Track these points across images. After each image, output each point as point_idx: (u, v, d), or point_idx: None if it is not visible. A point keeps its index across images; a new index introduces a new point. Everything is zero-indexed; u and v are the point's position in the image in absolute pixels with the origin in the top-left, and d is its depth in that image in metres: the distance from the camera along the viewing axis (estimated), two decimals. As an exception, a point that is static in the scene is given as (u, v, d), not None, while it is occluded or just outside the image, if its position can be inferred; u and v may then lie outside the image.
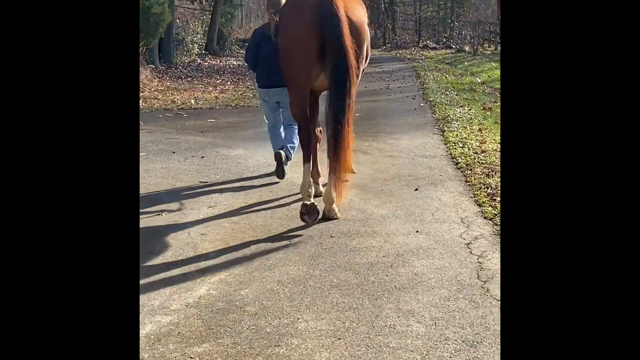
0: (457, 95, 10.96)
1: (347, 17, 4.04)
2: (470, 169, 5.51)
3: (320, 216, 4.21)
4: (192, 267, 3.51)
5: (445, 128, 7.50)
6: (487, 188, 4.87)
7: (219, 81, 14.54)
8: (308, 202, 4.20)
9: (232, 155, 6.40)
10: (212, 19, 21.80)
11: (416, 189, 4.99)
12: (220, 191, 5.05)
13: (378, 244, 3.80)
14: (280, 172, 5.19)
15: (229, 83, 14.10)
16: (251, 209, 4.57)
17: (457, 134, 7.08)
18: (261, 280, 3.31)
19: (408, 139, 7.08)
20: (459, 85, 12.91)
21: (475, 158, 5.88)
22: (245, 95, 11.55)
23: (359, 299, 3.06)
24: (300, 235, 3.99)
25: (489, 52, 22.11)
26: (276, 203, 4.72)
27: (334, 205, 4.27)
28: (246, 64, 5.69)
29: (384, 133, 7.42)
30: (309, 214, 4.17)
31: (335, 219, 4.27)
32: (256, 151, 6.53)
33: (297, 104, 4.36)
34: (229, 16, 23.72)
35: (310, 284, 3.25)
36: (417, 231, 4.02)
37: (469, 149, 6.28)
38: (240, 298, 3.10)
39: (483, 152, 6.13)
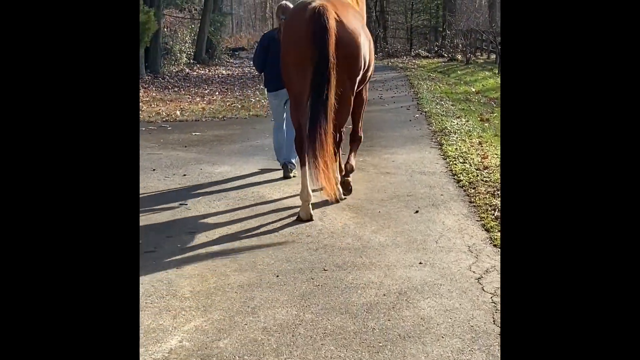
0: (452, 105, 10.58)
1: (342, 28, 4.20)
2: (474, 188, 5.09)
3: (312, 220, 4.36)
4: (164, 310, 3.05)
5: (444, 141, 7.09)
6: (494, 210, 4.45)
7: (206, 91, 14.10)
8: (304, 216, 4.37)
9: (217, 172, 5.94)
10: (201, 27, 21.40)
11: (416, 211, 4.56)
12: (202, 215, 4.59)
13: (377, 279, 3.36)
14: (286, 176, 5.63)
15: (217, 93, 13.67)
16: (235, 237, 4.12)
17: (456, 148, 6.68)
18: (243, 327, 2.86)
19: (405, 153, 6.66)
20: (453, 94, 12.55)
21: (478, 175, 5.47)
22: (234, 106, 11.11)
23: (358, 352, 2.61)
24: (289, 269, 3.54)
25: (482, 61, 21.82)
26: (263, 229, 4.27)
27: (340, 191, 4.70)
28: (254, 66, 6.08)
29: (378, 147, 7.00)
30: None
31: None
32: (243, 167, 6.09)
33: (294, 108, 4.53)
34: (219, 25, 23.34)
35: (300, 332, 2.79)
36: (420, 262, 3.58)
37: (471, 165, 5.86)
38: (218, 352, 2.64)
39: (486, 168, 5.72)
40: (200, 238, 4.10)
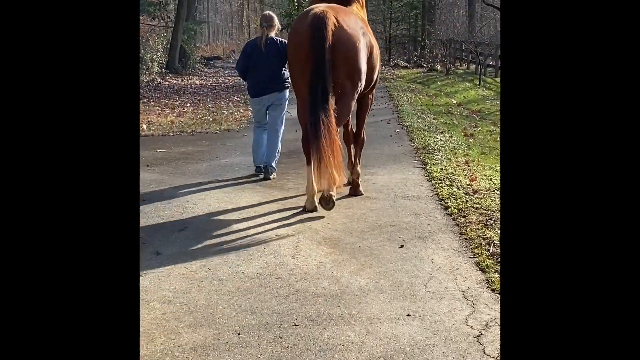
0: (434, 119, 10.14)
1: (340, 31, 4.42)
2: (464, 216, 4.59)
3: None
4: (95, 387, 2.47)
5: (427, 160, 6.61)
6: (489, 245, 3.95)
7: (177, 102, 13.47)
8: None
9: (179, 196, 5.36)
10: (174, 35, 20.76)
11: (401, 246, 4.04)
12: (156, 252, 4.01)
13: (358, 338, 2.82)
14: (266, 177, 5.79)
15: (188, 105, 13.05)
16: (192, 279, 3.55)
17: (441, 168, 6.19)
18: (192, 411, 2.30)
19: (386, 173, 6.16)
20: (434, 107, 12.14)
21: (467, 201, 4.97)
22: (205, 119, 10.51)
23: None
24: (254, 324, 2.98)
25: (462, 71, 21.56)
26: (226, 269, 3.70)
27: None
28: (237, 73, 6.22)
29: (358, 166, 6.47)
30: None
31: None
32: (208, 192, 5.51)
33: (300, 110, 4.76)
34: (193, 33, 22.71)
35: (262, 418, 2.24)
36: (408, 315, 3.05)
37: (458, 188, 5.37)
38: None
39: (475, 192, 5.23)
40: (152, 282, 3.52)
